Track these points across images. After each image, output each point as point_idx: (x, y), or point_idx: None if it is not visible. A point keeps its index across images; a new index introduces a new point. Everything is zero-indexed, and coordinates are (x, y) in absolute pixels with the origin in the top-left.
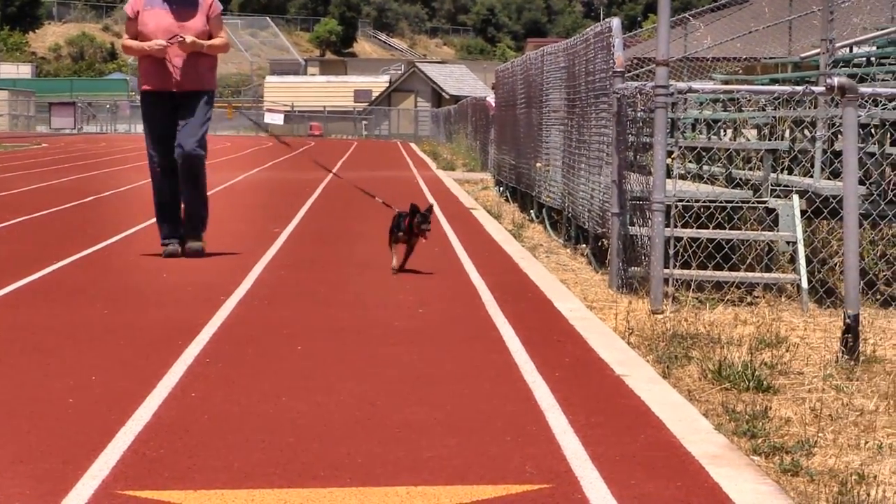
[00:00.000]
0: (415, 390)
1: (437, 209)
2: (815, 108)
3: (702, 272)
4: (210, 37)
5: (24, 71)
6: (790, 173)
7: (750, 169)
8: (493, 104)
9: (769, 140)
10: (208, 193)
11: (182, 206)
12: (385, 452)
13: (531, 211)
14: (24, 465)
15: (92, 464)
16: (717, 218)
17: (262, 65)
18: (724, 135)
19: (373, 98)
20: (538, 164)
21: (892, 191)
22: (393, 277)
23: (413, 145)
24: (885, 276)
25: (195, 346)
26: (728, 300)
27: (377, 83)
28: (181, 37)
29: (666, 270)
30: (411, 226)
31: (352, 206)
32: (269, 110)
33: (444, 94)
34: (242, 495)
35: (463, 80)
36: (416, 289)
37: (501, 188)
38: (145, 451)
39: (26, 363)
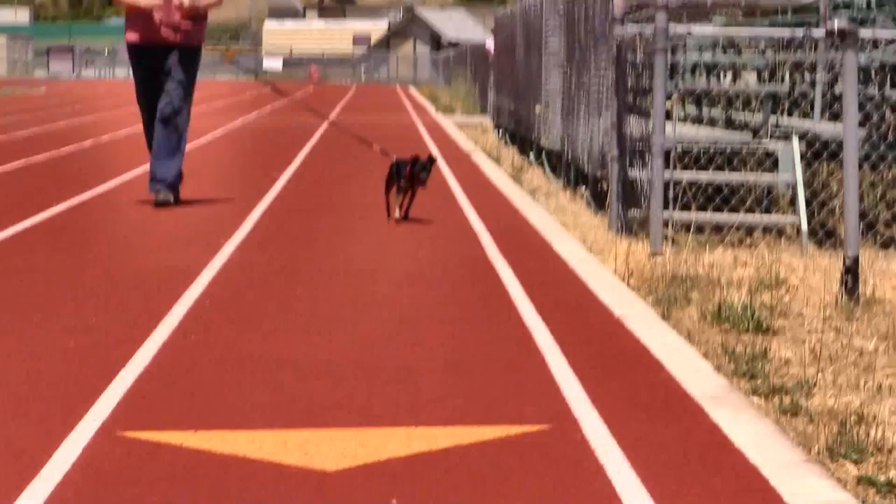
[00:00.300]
0: (414, 332)
1: (436, 152)
2: (815, 51)
3: (701, 214)
4: None
5: (21, 16)
6: (790, 116)
7: (749, 112)
8: (493, 49)
9: (769, 83)
10: (190, 145)
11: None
12: (384, 394)
13: (530, 154)
14: (24, 406)
15: (92, 406)
16: (717, 161)
17: (260, 9)
18: (724, 78)
19: (372, 43)
20: (538, 108)
21: (892, 133)
22: (391, 222)
23: (412, 89)
24: (884, 217)
25: (195, 289)
26: (728, 242)
27: (376, 28)
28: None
29: (665, 213)
30: (412, 173)
31: (351, 151)
32: (268, 55)
33: (443, 38)
34: (243, 436)
35: (462, 24)
36: (415, 232)
37: (501, 132)
38: (145, 393)
39: (26, 307)
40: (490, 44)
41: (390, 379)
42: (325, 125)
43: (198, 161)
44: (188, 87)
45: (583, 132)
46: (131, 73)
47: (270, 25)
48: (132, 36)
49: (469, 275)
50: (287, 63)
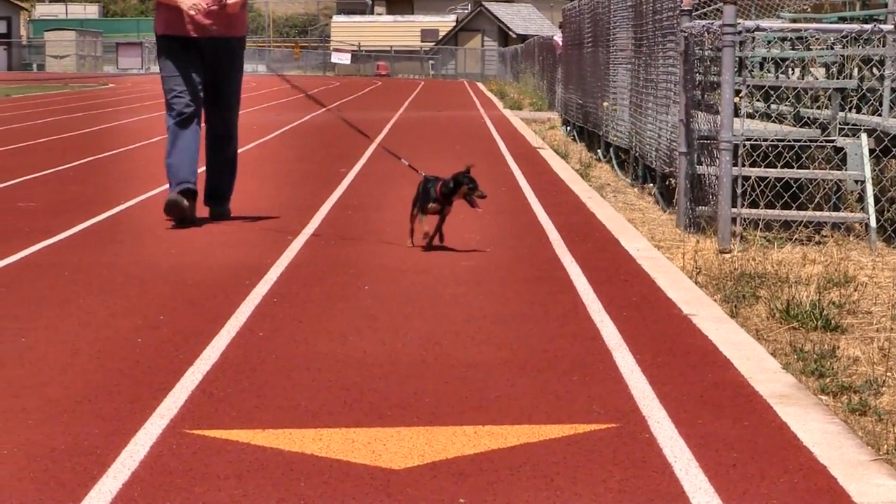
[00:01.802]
0: (481, 330)
1: (504, 149)
2: (884, 46)
3: (769, 211)
4: None
5: (91, 11)
6: (858, 112)
7: (818, 108)
8: (561, 43)
9: (837, 79)
10: (239, 151)
11: (207, 176)
12: (452, 392)
13: (598, 150)
14: (91, 404)
15: (160, 403)
16: (785, 157)
17: (328, 4)
18: (792, 73)
19: (439, 37)
20: (605, 104)
21: None
22: (460, 217)
23: (480, 85)
24: None
25: (262, 286)
26: (796, 239)
27: (444, 22)
28: None
29: (733, 210)
30: (443, 192)
31: (420, 146)
32: (337, 50)
33: (510, 33)
34: (310, 434)
35: (530, 19)
36: (482, 228)
37: (569, 128)
38: (213, 391)
39: (93, 303)
40: (558, 38)
41: (457, 377)
42: (393, 120)
43: (268, 155)
44: (237, 90)
45: (650, 128)
46: (160, 72)
47: (338, 20)
48: (165, 28)
49: (536, 272)
50: (355, 58)
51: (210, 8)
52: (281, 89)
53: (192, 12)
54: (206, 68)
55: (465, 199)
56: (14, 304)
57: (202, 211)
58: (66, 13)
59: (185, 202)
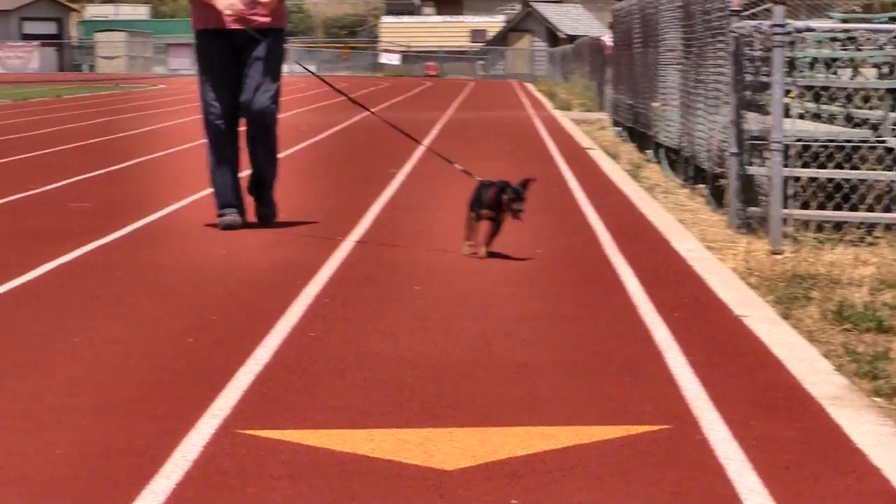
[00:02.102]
0: (532, 331)
1: (553, 150)
2: None
3: (821, 212)
4: None
5: (141, 12)
6: None
7: (869, 108)
8: (610, 44)
9: (889, 79)
10: (279, 154)
11: (251, 169)
12: (503, 392)
13: (648, 151)
14: (145, 404)
15: (212, 403)
16: (837, 158)
17: (377, 5)
18: (843, 74)
19: (488, 38)
20: (655, 104)
21: None
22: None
23: (529, 85)
24: None
25: (314, 287)
26: (848, 240)
27: (493, 23)
28: None
29: (785, 210)
30: (498, 200)
31: (470, 147)
32: (386, 51)
33: (559, 33)
34: (361, 435)
35: (579, 19)
36: (533, 229)
37: (618, 128)
38: (265, 391)
39: (145, 303)
40: (607, 39)
41: (509, 378)
42: (443, 121)
43: (318, 156)
44: (276, 83)
45: (701, 128)
46: (198, 70)
47: (387, 21)
48: (201, 22)
49: (587, 273)
50: (404, 58)
51: (246, 9)
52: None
53: (227, 12)
54: (244, 62)
55: (500, 204)
56: (67, 304)
57: (249, 211)
58: (117, 14)
59: (239, 220)
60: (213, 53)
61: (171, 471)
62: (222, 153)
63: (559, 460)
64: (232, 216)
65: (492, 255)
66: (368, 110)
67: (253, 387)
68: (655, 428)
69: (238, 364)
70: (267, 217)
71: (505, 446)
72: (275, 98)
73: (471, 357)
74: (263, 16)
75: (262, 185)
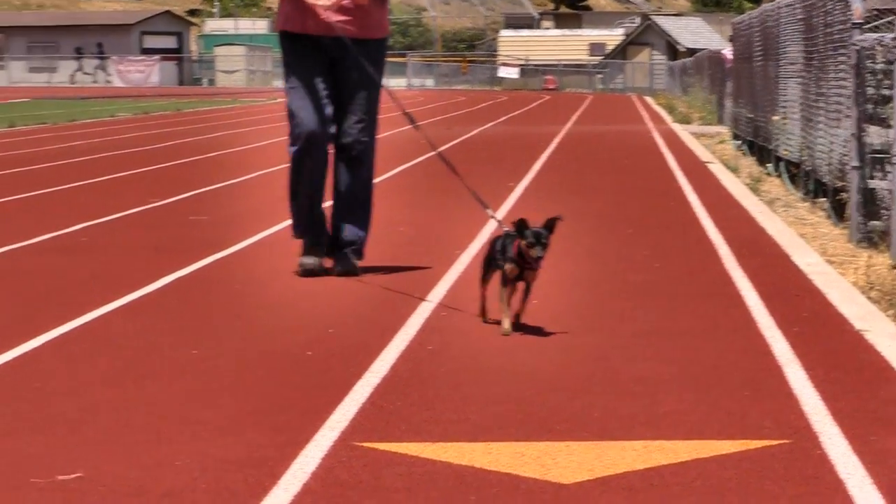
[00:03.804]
0: (650, 345)
1: (672, 163)
2: None
3: None
4: None
5: (260, 26)
6: None
7: None
8: (730, 57)
9: None
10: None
11: (335, 201)
12: (621, 407)
13: (768, 164)
14: (263, 416)
15: (330, 416)
16: None
17: (496, 19)
18: None
19: (607, 51)
20: (775, 118)
21: None
22: (627, 232)
23: (648, 98)
24: None
25: (431, 299)
26: None
27: (612, 36)
28: None
29: None
30: (521, 254)
31: (588, 160)
32: (504, 65)
33: (679, 46)
34: (479, 448)
35: (698, 32)
36: (651, 243)
37: (738, 142)
38: (383, 404)
39: (263, 316)
40: (727, 52)
41: (626, 392)
42: (561, 135)
43: (435, 170)
44: (374, 104)
45: (822, 142)
46: (284, 78)
47: (506, 35)
48: (286, 24)
49: (706, 287)
50: (523, 72)
51: (339, 3)
52: (451, 103)
53: (317, 8)
54: (336, 75)
55: (521, 256)
56: (186, 316)
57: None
58: (236, 28)
59: (321, 264)
60: (298, 62)
61: (289, 483)
62: (304, 174)
63: (677, 474)
64: (313, 260)
65: (523, 328)
66: (413, 123)
67: (371, 399)
68: (775, 442)
69: (356, 377)
70: (347, 272)
71: (623, 460)
72: (370, 129)
73: (588, 371)
74: (356, 25)
75: (342, 242)
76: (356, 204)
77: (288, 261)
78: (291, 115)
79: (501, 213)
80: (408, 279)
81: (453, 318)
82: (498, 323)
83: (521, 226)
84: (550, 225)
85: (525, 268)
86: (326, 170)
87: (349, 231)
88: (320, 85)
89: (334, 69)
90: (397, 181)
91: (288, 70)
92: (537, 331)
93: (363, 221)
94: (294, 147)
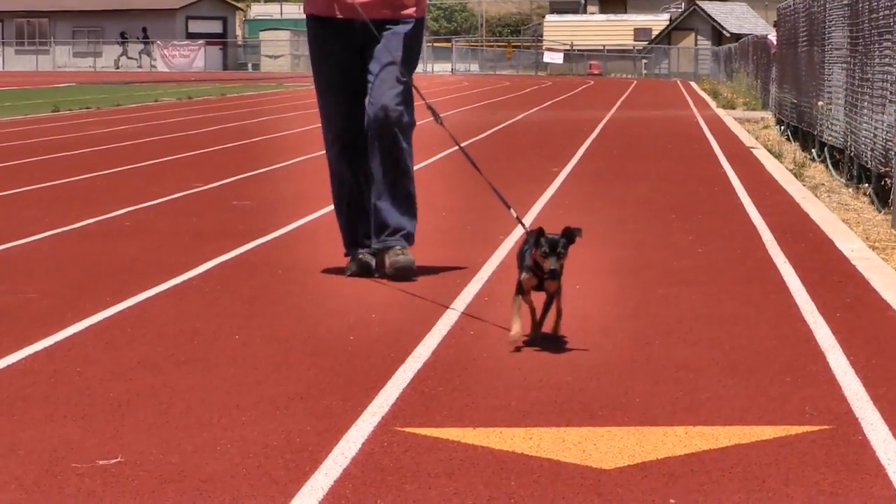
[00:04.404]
0: (692, 331)
1: (716, 148)
2: None
3: None
4: None
5: None
6: None
7: None
8: (775, 42)
9: None
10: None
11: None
12: (662, 392)
13: (813, 150)
14: (304, 401)
15: (371, 401)
16: None
17: (541, 4)
18: None
19: (652, 36)
20: (820, 103)
21: None
22: (670, 216)
23: (693, 84)
24: None
25: (474, 285)
26: None
27: (657, 21)
28: None
29: None
30: (537, 263)
31: (632, 146)
32: (549, 49)
33: (724, 32)
34: (520, 433)
35: (744, 17)
36: (694, 229)
37: (782, 127)
38: (424, 389)
39: (306, 302)
40: (772, 37)
41: (668, 377)
42: (605, 120)
43: (478, 155)
44: (407, 86)
45: (866, 127)
46: (312, 70)
47: (551, 19)
48: (313, 7)
49: (749, 272)
50: (567, 57)
51: None
52: (495, 88)
53: None
54: (366, 62)
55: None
56: (229, 302)
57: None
58: (281, 13)
59: (371, 263)
60: (325, 52)
61: (330, 468)
62: (344, 177)
63: (718, 460)
64: (358, 261)
65: (547, 339)
66: (437, 118)
67: (412, 385)
68: (816, 428)
69: (397, 362)
70: (405, 270)
71: (663, 445)
72: (406, 101)
73: (630, 357)
74: (383, 5)
75: (385, 230)
76: (398, 192)
77: (331, 246)
78: (321, 118)
79: (545, 197)
80: (451, 264)
81: (496, 304)
82: (525, 341)
83: (536, 235)
84: (570, 235)
85: (543, 277)
86: (368, 169)
87: (393, 217)
88: (354, 72)
89: (364, 54)
90: (437, 167)
91: (316, 67)
92: (579, 316)
93: (406, 206)
94: (329, 153)
